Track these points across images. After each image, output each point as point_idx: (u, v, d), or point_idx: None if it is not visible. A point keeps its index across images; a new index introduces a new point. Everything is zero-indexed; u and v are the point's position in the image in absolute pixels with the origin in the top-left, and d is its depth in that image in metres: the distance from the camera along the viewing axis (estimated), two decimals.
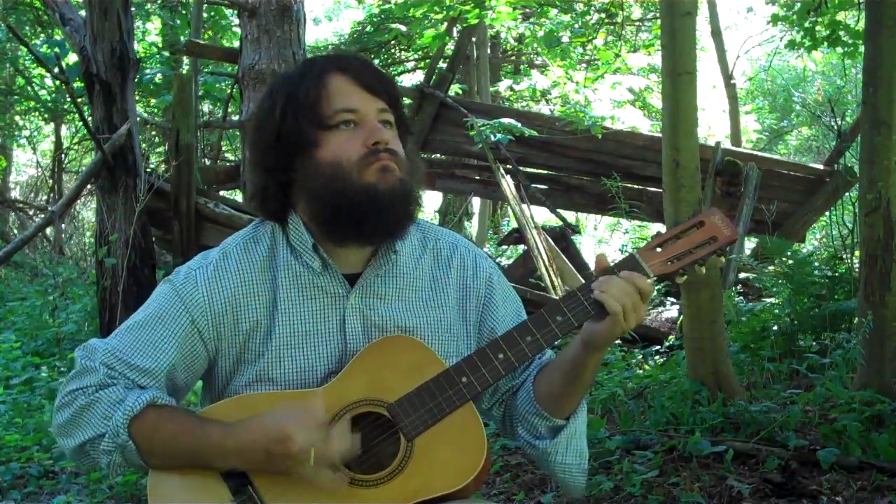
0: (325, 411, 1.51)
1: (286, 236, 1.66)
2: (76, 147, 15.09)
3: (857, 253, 4.56)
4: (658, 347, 5.65)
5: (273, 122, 1.61)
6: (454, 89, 11.54)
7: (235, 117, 8.78)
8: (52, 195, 14.34)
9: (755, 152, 10.14)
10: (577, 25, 12.04)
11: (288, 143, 1.60)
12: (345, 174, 1.57)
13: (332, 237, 1.62)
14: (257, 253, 1.67)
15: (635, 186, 9.01)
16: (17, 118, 16.02)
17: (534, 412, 1.68)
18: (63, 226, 11.98)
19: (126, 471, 1.72)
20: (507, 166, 8.71)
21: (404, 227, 1.63)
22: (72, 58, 8.13)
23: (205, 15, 11.07)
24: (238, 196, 8.85)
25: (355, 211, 1.57)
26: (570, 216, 11.49)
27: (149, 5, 12.56)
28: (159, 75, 10.67)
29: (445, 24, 9.72)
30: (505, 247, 11.39)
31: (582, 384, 1.65)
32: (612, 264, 1.61)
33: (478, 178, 9.85)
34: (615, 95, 9.34)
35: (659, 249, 1.61)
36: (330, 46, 16.14)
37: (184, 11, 12.01)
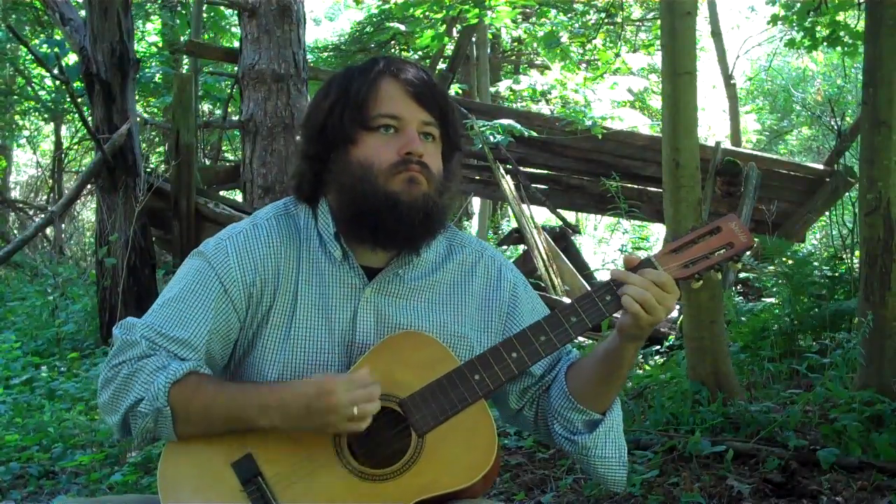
0: None
1: (315, 221, 1.69)
2: (76, 147, 15.09)
3: (857, 253, 4.56)
4: (658, 347, 5.64)
5: (321, 114, 1.66)
6: (454, 89, 11.55)
7: (235, 117, 8.78)
8: (52, 195, 14.33)
9: (755, 152, 10.14)
10: (576, 26, 12.05)
11: (329, 136, 1.64)
12: (372, 177, 1.59)
13: (350, 233, 1.65)
14: (287, 229, 1.69)
15: (635, 186, 9.01)
16: (17, 118, 16.02)
17: (569, 407, 1.68)
18: (63, 226, 11.97)
19: (149, 445, 1.70)
20: (507, 166, 8.71)
21: (421, 241, 1.64)
22: (72, 58, 8.12)
23: (205, 15, 11.07)
24: (238, 196, 8.83)
25: (373, 216, 1.59)
26: (570, 216, 11.49)
27: (149, 5, 12.56)
28: (159, 75, 10.67)
29: (445, 23, 9.72)
30: (505, 247, 11.38)
31: (618, 375, 1.66)
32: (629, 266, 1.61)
33: (478, 178, 9.84)
34: (615, 95, 9.34)
35: (675, 254, 1.61)
36: (330, 46, 16.15)
37: (184, 11, 12.02)
